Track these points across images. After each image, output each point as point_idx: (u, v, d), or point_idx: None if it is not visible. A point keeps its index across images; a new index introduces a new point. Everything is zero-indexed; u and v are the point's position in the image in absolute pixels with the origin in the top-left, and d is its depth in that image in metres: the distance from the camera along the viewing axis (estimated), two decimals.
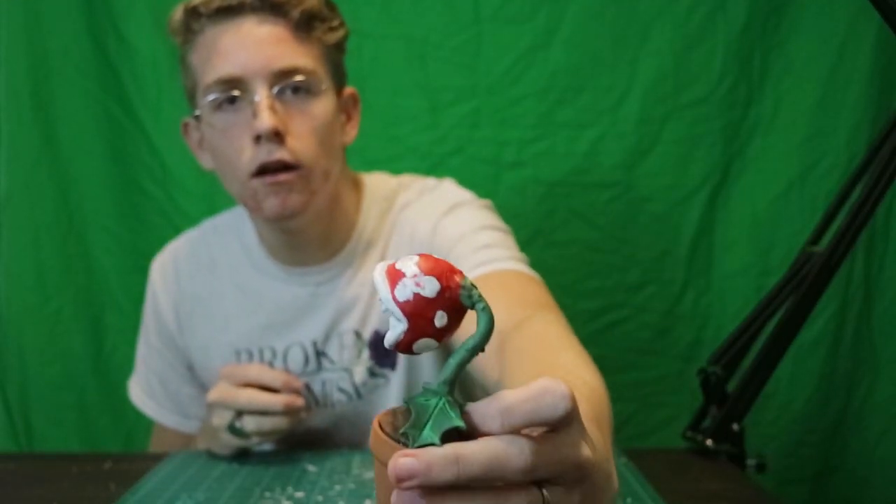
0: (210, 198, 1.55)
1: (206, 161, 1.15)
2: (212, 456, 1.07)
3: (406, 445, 0.51)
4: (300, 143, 1.05)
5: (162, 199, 1.59)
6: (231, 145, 1.06)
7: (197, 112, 1.10)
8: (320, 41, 1.09)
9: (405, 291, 0.51)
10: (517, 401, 0.51)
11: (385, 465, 0.50)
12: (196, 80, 1.08)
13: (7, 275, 1.59)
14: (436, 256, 0.53)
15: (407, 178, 1.25)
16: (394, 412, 0.56)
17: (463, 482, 0.49)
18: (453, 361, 0.53)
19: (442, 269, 0.52)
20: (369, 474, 0.97)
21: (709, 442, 1.08)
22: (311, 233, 1.14)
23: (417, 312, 0.51)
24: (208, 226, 1.28)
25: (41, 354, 1.60)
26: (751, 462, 1.08)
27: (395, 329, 0.52)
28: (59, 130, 1.58)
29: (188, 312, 1.24)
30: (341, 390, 1.19)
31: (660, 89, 1.54)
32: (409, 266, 0.52)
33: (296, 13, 1.05)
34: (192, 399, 1.27)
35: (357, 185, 1.22)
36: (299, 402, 1.03)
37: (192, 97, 1.11)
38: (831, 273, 1.07)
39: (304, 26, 1.07)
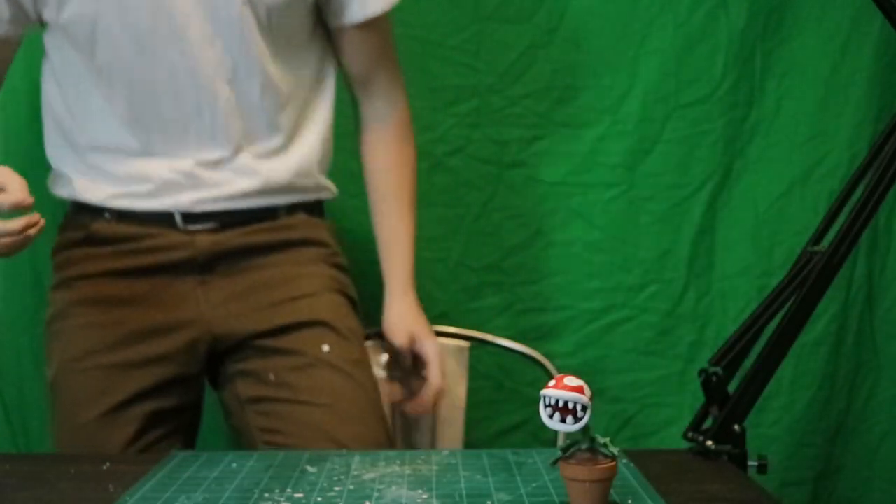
0: None
1: None
2: (211, 457, 1.07)
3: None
4: None
5: None
6: None
7: None
8: None
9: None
10: None
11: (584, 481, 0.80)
12: None
13: (4, 275, 1.58)
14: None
15: None
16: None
17: None
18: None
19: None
20: (368, 475, 0.97)
21: (710, 443, 1.07)
22: None
23: None
24: None
25: (39, 356, 1.59)
26: (752, 463, 1.08)
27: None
28: None
29: None
30: None
31: (661, 88, 1.54)
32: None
33: None
34: None
35: None
36: (35, 219, 1.04)
37: None
38: (833, 273, 1.06)
39: None
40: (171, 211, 1.26)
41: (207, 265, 1.27)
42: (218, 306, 1.27)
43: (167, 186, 1.25)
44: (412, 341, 1.34)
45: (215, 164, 1.25)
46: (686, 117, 1.54)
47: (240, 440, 1.31)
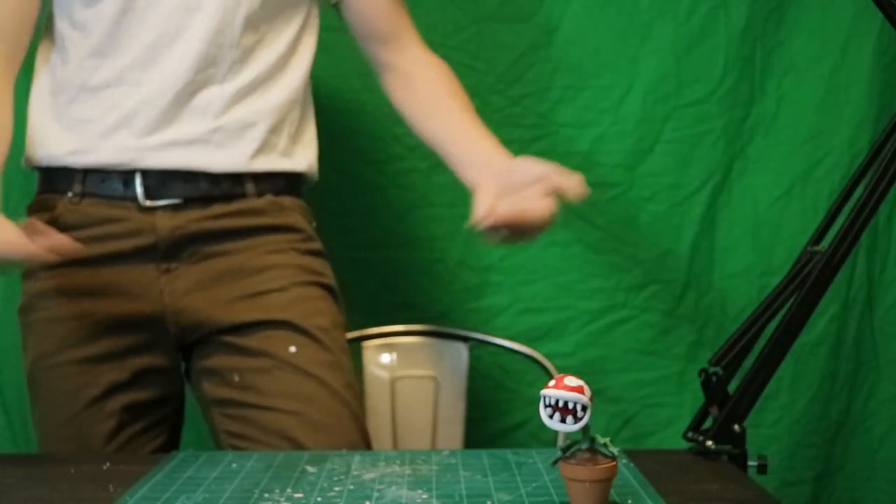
0: None
1: None
2: (211, 457, 1.07)
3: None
4: None
5: None
6: None
7: None
8: None
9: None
10: None
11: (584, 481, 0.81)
12: None
13: (4, 275, 1.58)
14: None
15: None
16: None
17: None
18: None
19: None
20: (368, 475, 0.97)
21: (710, 443, 1.07)
22: None
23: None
24: None
25: None
26: (752, 463, 1.08)
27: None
28: None
29: None
30: None
31: (661, 88, 1.54)
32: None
33: None
34: None
35: None
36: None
37: None
38: (833, 273, 1.06)
39: None
40: (133, 168, 1.20)
41: (170, 252, 1.21)
42: (182, 296, 1.22)
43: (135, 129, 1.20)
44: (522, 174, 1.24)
45: (180, 95, 1.19)
46: (686, 117, 1.54)
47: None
